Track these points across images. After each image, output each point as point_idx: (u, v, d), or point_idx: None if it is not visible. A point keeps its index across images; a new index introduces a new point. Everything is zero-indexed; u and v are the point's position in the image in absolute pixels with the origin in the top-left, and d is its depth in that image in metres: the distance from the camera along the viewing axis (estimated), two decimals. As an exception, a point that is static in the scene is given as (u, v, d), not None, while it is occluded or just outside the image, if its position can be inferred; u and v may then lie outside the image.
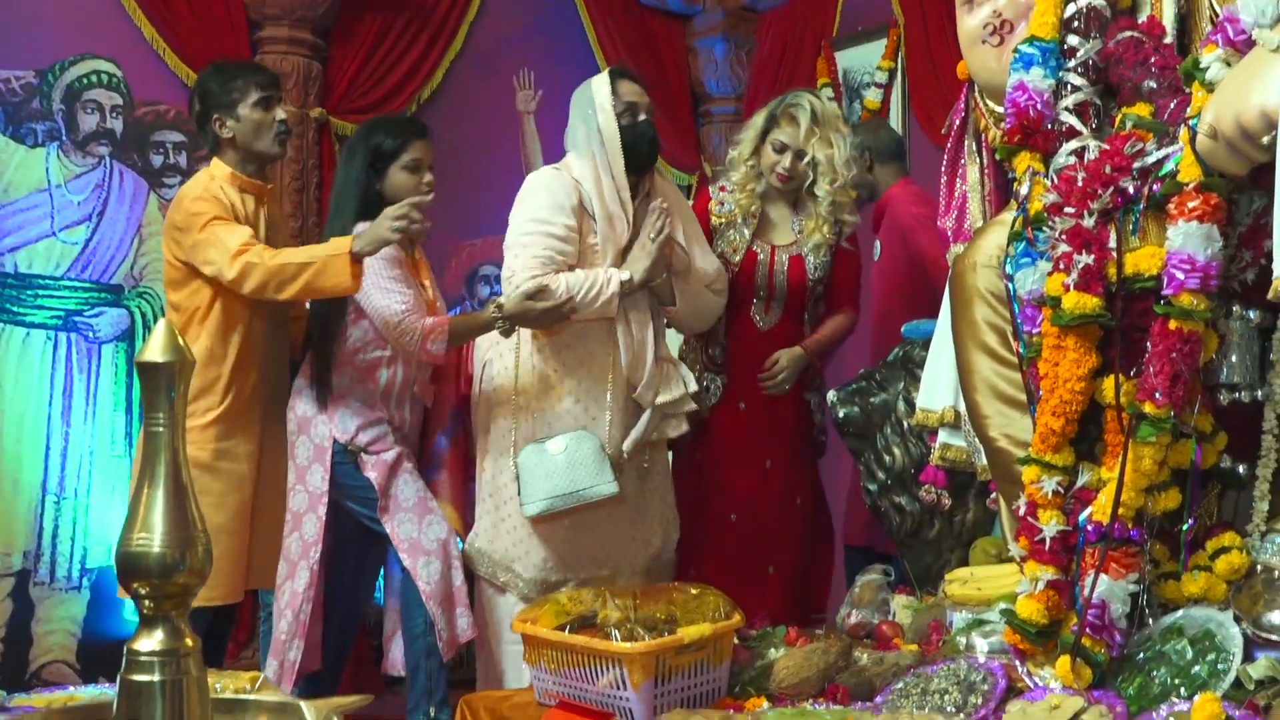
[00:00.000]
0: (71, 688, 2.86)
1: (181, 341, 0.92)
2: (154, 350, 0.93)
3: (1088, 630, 2.17)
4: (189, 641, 0.96)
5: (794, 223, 3.93)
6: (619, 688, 2.45)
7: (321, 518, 3.63)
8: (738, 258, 3.86)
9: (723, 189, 3.98)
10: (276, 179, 4.38)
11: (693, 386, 3.61)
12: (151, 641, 0.95)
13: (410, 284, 3.62)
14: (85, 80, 5.05)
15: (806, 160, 3.82)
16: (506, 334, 3.55)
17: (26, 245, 4.92)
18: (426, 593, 3.55)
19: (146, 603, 0.95)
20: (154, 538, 0.94)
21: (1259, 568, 2.20)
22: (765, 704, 2.49)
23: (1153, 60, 2.39)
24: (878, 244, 4.60)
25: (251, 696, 1.02)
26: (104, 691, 2.29)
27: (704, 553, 3.84)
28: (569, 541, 3.55)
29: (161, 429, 0.95)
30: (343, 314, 3.64)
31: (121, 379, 5.00)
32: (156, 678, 0.94)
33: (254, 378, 3.70)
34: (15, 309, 4.89)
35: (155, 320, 4.97)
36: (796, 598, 3.87)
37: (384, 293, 3.55)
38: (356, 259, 3.39)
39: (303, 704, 1.02)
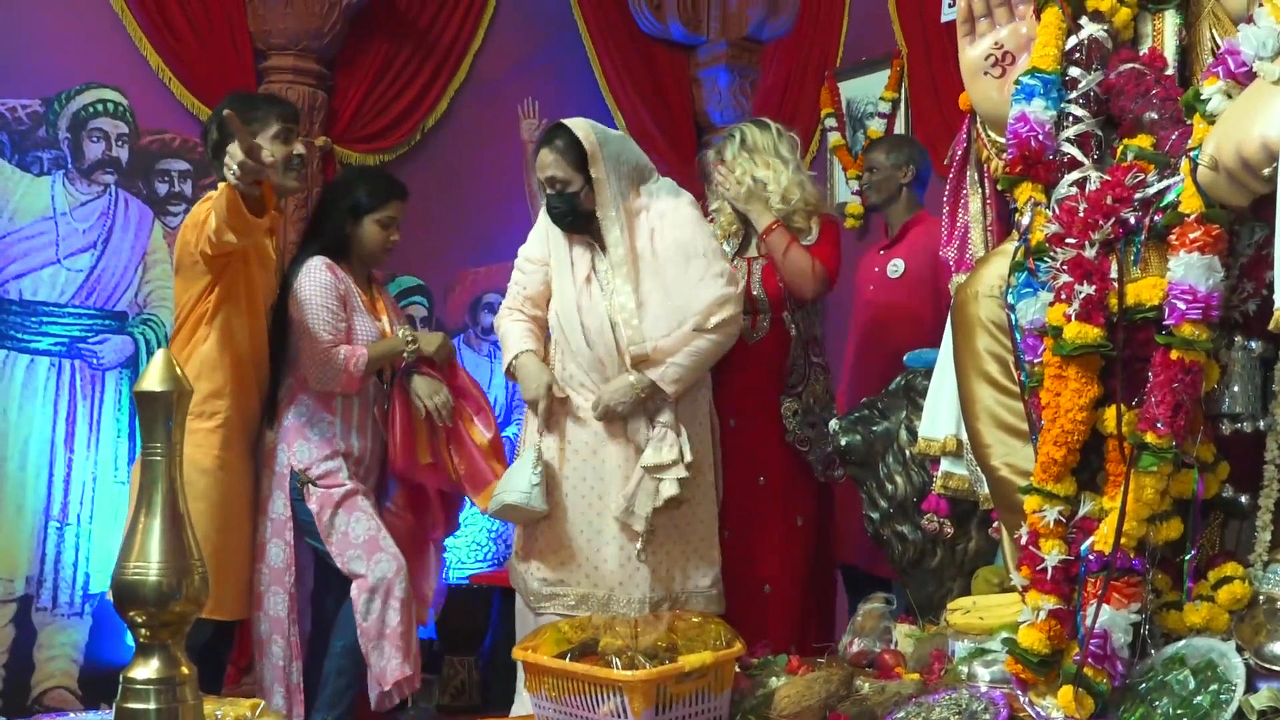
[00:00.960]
0: (73, 714, 2.86)
1: (179, 371, 0.92)
2: (152, 380, 0.92)
3: (1090, 660, 2.15)
4: (185, 670, 0.96)
5: None
6: (620, 716, 2.44)
7: (288, 543, 3.75)
8: None
9: (711, 220, 4.12)
10: (283, 208, 4.40)
11: (689, 457, 3.58)
12: (147, 670, 0.95)
13: (345, 316, 3.78)
14: (91, 109, 5.08)
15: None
16: (410, 356, 3.80)
17: (31, 272, 4.94)
18: (362, 628, 3.66)
19: (143, 631, 0.95)
20: (151, 566, 0.94)
21: (1261, 598, 2.19)
22: (766, 733, 2.49)
23: (1154, 92, 2.39)
24: (901, 263, 4.58)
25: (248, 725, 1.02)
26: (105, 718, 2.28)
27: None
28: (560, 556, 3.63)
29: (159, 458, 0.95)
30: (285, 347, 3.81)
31: (125, 406, 5.01)
32: (152, 706, 0.93)
33: (253, 397, 3.75)
34: (20, 335, 4.90)
35: (159, 347, 4.99)
36: (795, 619, 3.86)
37: (315, 321, 3.72)
38: (234, 190, 3.37)
39: (299, 733, 1.01)
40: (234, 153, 3.34)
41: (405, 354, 3.81)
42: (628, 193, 3.68)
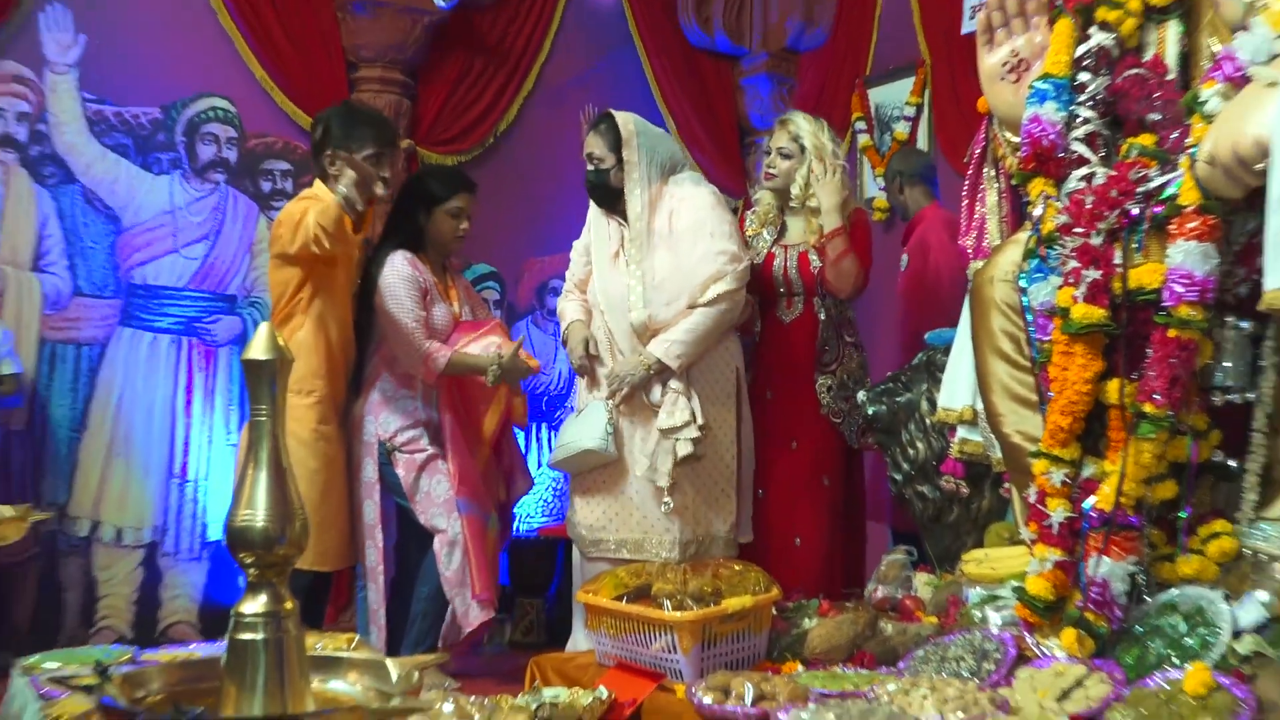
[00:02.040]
0: (193, 645, 2.91)
1: (281, 342, 0.93)
2: (257, 349, 0.93)
3: (1091, 606, 2.14)
4: (288, 605, 0.97)
5: (805, 228, 3.97)
6: (670, 652, 2.45)
7: (377, 503, 3.80)
8: (759, 260, 3.94)
9: (752, 211, 4.13)
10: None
11: (700, 419, 3.61)
12: (256, 605, 0.96)
13: (424, 306, 3.80)
14: (203, 115, 5.12)
15: (790, 155, 3.91)
16: (493, 382, 3.79)
17: (153, 260, 5.00)
18: (446, 577, 3.71)
19: (251, 571, 0.96)
20: (258, 514, 0.95)
21: (1247, 552, 2.17)
22: (800, 668, 2.49)
23: (1157, 95, 2.35)
24: (905, 258, 4.57)
25: (345, 654, 1.03)
26: (220, 648, 2.32)
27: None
28: (602, 516, 3.70)
29: (264, 418, 0.96)
30: (372, 329, 3.84)
31: (235, 377, 5.07)
32: (260, 636, 0.95)
33: (341, 369, 3.78)
34: (144, 316, 4.97)
35: (264, 324, 5.05)
36: (822, 568, 3.85)
37: (399, 310, 3.75)
38: (341, 209, 3.50)
39: (387, 661, 1.02)
40: (349, 177, 3.39)
41: (489, 376, 3.78)
42: (655, 179, 3.75)
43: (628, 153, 3.71)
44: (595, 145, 3.77)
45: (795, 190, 3.92)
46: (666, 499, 3.60)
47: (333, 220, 3.44)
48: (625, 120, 3.77)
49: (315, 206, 3.53)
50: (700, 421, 3.60)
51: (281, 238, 3.61)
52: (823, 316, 3.94)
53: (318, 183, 3.76)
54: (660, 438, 3.59)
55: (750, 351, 3.97)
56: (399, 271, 3.77)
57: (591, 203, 3.88)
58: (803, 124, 3.94)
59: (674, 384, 3.61)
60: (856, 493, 4.09)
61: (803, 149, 3.90)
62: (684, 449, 3.58)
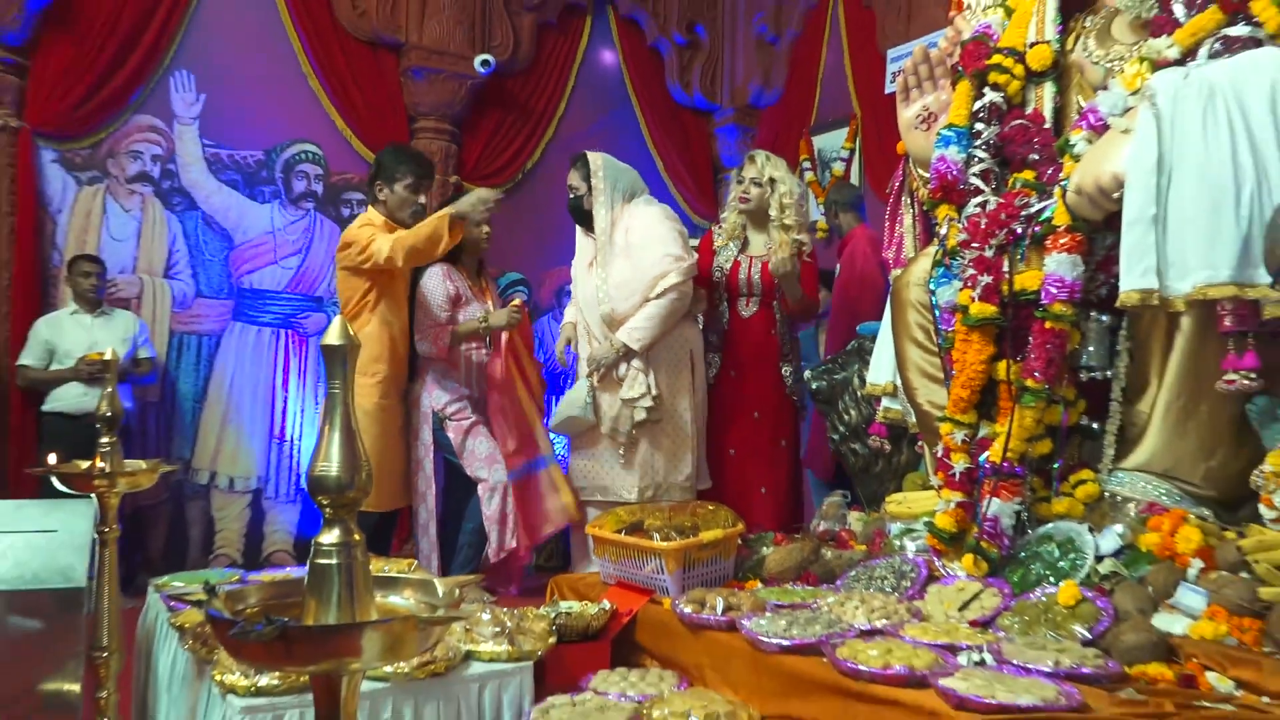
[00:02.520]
0: (288, 568, 2.90)
1: (351, 331, 0.92)
2: (332, 336, 0.92)
3: (985, 536, 2.14)
4: (357, 537, 0.96)
5: (765, 242, 3.90)
6: (659, 573, 2.44)
7: (434, 460, 3.77)
8: (728, 266, 3.87)
9: (719, 226, 4.05)
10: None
11: (654, 391, 3.59)
12: (331, 536, 0.95)
13: (452, 308, 3.76)
14: (297, 157, 5.10)
15: (761, 183, 3.82)
16: (483, 336, 3.78)
17: (258, 270, 4.99)
18: (487, 515, 3.69)
19: (327, 510, 0.95)
20: (333, 465, 0.94)
21: (1107, 494, 2.17)
22: (759, 585, 2.48)
23: (1036, 140, 2.34)
24: (838, 267, 4.55)
25: (402, 575, 1.02)
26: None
27: (716, 477, 3.84)
28: (585, 467, 3.71)
29: (338, 390, 0.95)
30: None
31: (321, 361, 5.06)
32: (335, 561, 0.94)
33: (401, 357, 3.75)
34: (251, 313, 4.96)
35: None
36: (783, 510, 3.83)
37: (428, 307, 3.73)
38: (455, 220, 3.48)
39: (435, 580, 1.01)
40: (484, 196, 3.34)
41: (481, 330, 3.76)
42: (618, 202, 3.71)
43: (595, 181, 3.70)
44: (573, 177, 3.77)
45: (773, 213, 3.84)
46: (622, 453, 3.61)
47: (425, 238, 3.40)
48: (594, 158, 3.76)
49: (413, 229, 3.48)
50: (654, 394, 3.59)
51: (350, 254, 3.58)
52: (777, 316, 3.90)
53: (370, 209, 3.75)
54: (622, 406, 3.58)
55: (720, 339, 3.93)
56: (432, 282, 3.77)
57: (577, 226, 3.84)
58: (768, 160, 3.90)
59: (635, 363, 3.59)
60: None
61: (772, 179, 3.87)
62: (640, 415, 3.58)
